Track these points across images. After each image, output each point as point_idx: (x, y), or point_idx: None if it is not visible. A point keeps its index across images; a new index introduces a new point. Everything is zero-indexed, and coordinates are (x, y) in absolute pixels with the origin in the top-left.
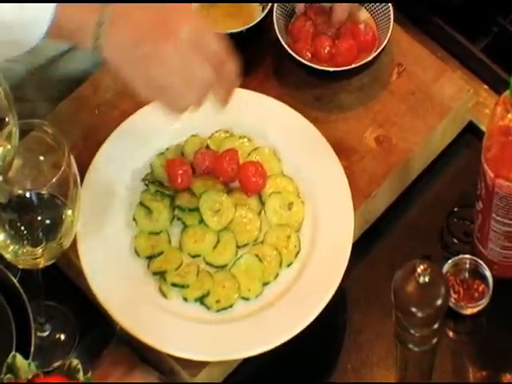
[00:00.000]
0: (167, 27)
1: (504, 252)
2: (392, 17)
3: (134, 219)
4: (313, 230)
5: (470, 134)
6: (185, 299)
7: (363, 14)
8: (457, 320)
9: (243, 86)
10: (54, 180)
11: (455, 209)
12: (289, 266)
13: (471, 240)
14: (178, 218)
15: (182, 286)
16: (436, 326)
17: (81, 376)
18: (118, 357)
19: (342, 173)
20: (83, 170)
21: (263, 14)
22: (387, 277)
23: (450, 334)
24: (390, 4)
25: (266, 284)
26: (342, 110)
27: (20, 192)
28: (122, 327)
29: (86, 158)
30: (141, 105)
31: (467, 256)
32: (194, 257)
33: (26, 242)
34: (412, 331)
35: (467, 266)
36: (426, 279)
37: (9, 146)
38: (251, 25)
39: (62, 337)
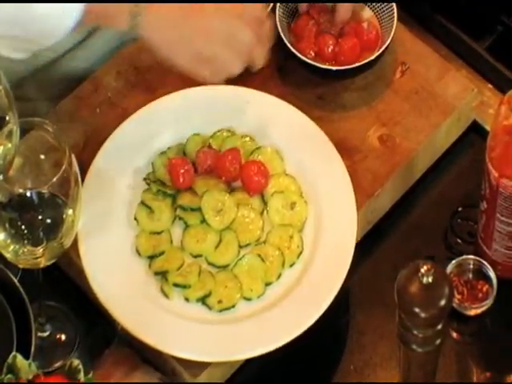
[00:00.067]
0: None
1: (508, 252)
2: (396, 15)
3: (135, 219)
4: (316, 229)
5: (474, 133)
6: (186, 299)
7: (366, 13)
8: (460, 321)
9: (246, 84)
10: (54, 179)
11: (459, 209)
12: (291, 266)
13: (475, 240)
14: (180, 218)
15: (184, 286)
16: (439, 326)
17: (82, 376)
18: (119, 357)
19: (345, 172)
20: (84, 168)
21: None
22: (390, 277)
23: (454, 334)
24: (393, 3)
25: (268, 284)
26: (345, 109)
27: (21, 191)
28: (123, 327)
29: (87, 157)
30: (142, 103)
31: (471, 256)
32: (195, 257)
33: (26, 242)
34: (415, 332)
35: (471, 266)
36: (430, 280)
37: (9, 145)
38: None
39: (63, 337)
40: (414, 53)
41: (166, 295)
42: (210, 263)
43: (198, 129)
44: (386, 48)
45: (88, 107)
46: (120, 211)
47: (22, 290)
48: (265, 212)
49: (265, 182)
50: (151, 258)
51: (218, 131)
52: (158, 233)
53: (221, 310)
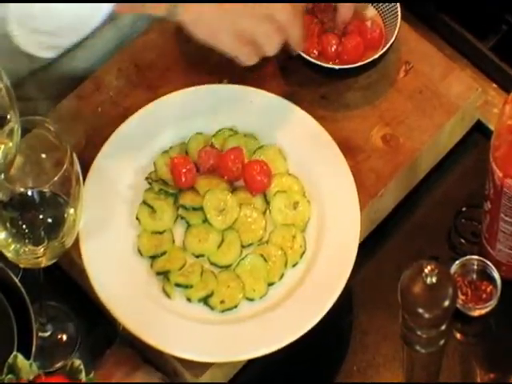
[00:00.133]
0: None
1: None
2: (399, 14)
3: (137, 218)
4: (318, 229)
5: (478, 133)
6: (188, 299)
7: (370, 11)
8: (464, 321)
9: (249, 83)
10: (56, 178)
11: (463, 209)
12: (294, 266)
13: (479, 241)
14: (182, 217)
15: (186, 286)
16: (443, 327)
17: (83, 377)
18: (120, 357)
19: (349, 172)
20: (86, 168)
21: None
22: (394, 277)
23: (458, 335)
24: (397, 2)
25: (270, 284)
26: (348, 109)
27: (22, 190)
28: (124, 327)
29: (88, 156)
30: (144, 102)
31: (475, 257)
32: (197, 256)
33: (27, 241)
34: (419, 332)
35: (475, 266)
36: (434, 280)
37: (10, 144)
38: None
39: (64, 337)
40: (418, 52)
41: (167, 295)
42: (212, 263)
43: (201, 128)
44: (390, 47)
45: (89, 106)
46: (122, 211)
47: (22, 289)
48: (267, 212)
49: (267, 182)
50: (153, 257)
51: (221, 130)
52: (160, 232)
53: (223, 311)
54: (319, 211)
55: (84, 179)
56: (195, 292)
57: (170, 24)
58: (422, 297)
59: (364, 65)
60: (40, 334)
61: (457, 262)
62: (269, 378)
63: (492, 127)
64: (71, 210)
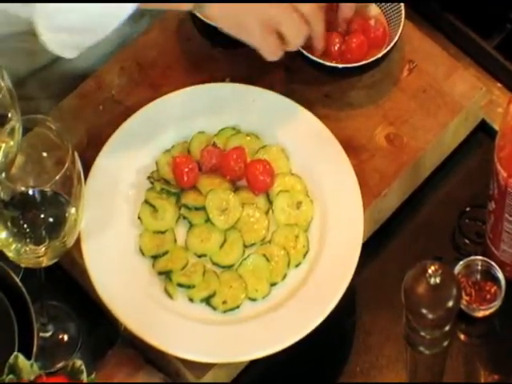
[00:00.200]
0: None
1: None
2: (403, 13)
3: (138, 218)
4: (322, 229)
5: (483, 132)
6: (191, 300)
7: (374, 10)
8: (468, 322)
9: (251, 82)
10: (57, 177)
11: (467, 209)
12: (297, 266)
13: (483, 241)
14: (184, 217)
15: (188, 287)
16: (447, 328)
17: (84, 377)
18: (122, 358)
19: (352, 171)
20: (87, 167)
21: None
22: (397, 278)
23: (462, 336)
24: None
25: (273, 284)
26: (351, 108)
27: (23, 189)
28: (126, 328)
29: (90, 155)
30: (145, 101)
31: (479, 257)
32: (200, 256)
33: (28, 240)
34: (422, 333)
35: (479, 267)
36: (437, 280)
37: (11, 142)
38: None
39: (65, 337)
40: (422, 51)
41: (169, 295)
42: (214, 263)
43: (203, 127)
44: (394, 46)
45: (91, 105)
46: (123, 210)
47: (23, 289)
48: (270, 211)
49: (270, 181)
50: (155, 257)
51: (223, 129)
52: (162, 232)
53: (225, 311)
54: (322, 211)
55: (85, 178)
56: (197, 292)
57: (172, 22)
58: (426, 297)
59: (367, 64)
60: (41, 334)
61: (461, 262)
62: (271, 379)
63: (496, 127)
64: (72, 210)
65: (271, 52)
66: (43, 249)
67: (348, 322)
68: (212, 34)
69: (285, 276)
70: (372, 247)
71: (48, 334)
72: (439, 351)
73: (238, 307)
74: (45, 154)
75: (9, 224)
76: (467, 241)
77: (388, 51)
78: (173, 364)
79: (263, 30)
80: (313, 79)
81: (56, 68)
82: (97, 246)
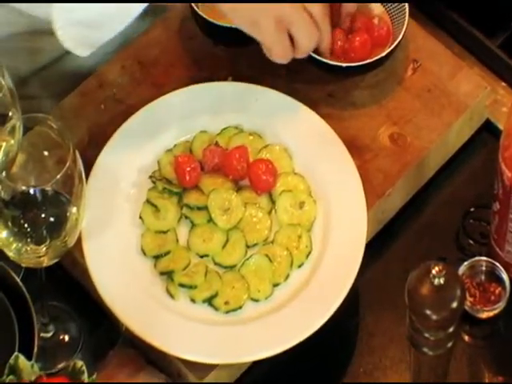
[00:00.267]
0: None
1: None
2: (407, 11)
3: (140, 217)
4: (325, 229)
5: (487, 132)
6: (192, 300)
7: (377, 9)
8: (473, 324)
9: (254, 81)
10: (58, 176)
11: (471, 209)
12: (300, 266)
13: (488, 241)
14: (186, 217)
15: (190, 287)
16: (451, 329)
17: (85, 378)
18: (123, 359)
19: (355, 171)
20: (89, 166)
21: None
22: (401, 278)
23: (466, 338)
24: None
25: (276, 285)
26: (355, 107)
27: (23, 188)
28: (127, 328)
29: (91, 154)
30: (147, 100)
31: (483, 258)
32: (202, 256)
33: (29, 240)
34: (426, 334)
35: (483, 268)
36: (441, 281)
37: (12, 141)
38: None
39: (66, 338)
40: (426, 50)
41: (171, 296)
42: (216, 263)
43: (205, 126)
44: (398, 45)
45: (92, 103)
46: (125, 210)
47: (24, 289)
48: (273, 211)
49: (273, 181)
50: (156, 257)
51: (226, 129)
52: (164, 232)
53: (227, 312)
54: (325, 211)
55: (87, 177)
56: (199, 292)
57: (174, 21)
58: (430, 298)
59: (371, 63)
60: (42, 334)
61: (465, 263)
62: (274, 380)
63: (501, 126)
64: (74, 209)
65: (281, 53)
66: (44, 248)
67: (351, 322)
68: (214, 32)
69: (287, 276)
70: (375, 247)
71: (49, 335)
72: (443, 352)
73: (240, 308)
74: (46, 153)
75: (9, 223)
76: (471, 241)
77: (392, 50)
78: (174, 365)
79: (277, 29)
80: (316, 78)
81: (58, 67)
82: (98, 245)
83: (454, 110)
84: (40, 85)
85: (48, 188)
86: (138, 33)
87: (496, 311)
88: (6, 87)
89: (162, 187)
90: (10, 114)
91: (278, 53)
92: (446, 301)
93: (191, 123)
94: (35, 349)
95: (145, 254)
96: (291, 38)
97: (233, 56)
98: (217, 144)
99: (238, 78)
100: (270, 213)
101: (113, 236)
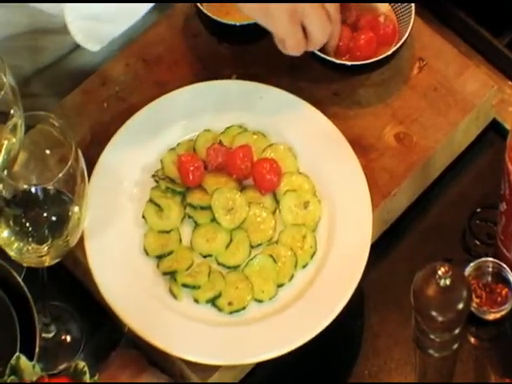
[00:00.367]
0: None
1: None
2: (413, 9)
3: (143, 217)
4: (329, 229)
5: (494, 132)
6: (196, 300)
7: (383, 6)
8: (479, 325)
9: (259, 79)
10: (60, 175)
11: (478, 210)
12: (304, 267)
13: (494, 242)
14: (189, 216)
15: (193, 287)
16: (457, 331)
17: (87, 379)
18: (125, 359)
19: (361, 171)
20: (91, 164)
21: None
22: (407, 279)
23: (472, 339)
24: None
25: (280, 286)
26: (360, 106)
27: (25, 187)
28: (130, 329)
29: (93, 153)
30: (151, 98)
31: (490, 259)
32: (205, 256)
33: (30, 239)
34: (432, 336)
35: (490, 269)
36: (447, 282)
37: (14, 139)
38: None
39: (68, 338)
40: (433, 48)
41: (174, 296)
42: (220, 263)
43: (209, 125)
44: (404, 43)
45: (95, 101)
46: (127, 209)
47: (26, 289)
48: (277, 211)
49: (277, 181)
50: (159, 257)
51: (230, 127)
52: (167, 232)
53: (231, 312)
54: (330, 211)
55: (89, 176)
56: (203, 293)
57: (178, 18)
58: (436, 299)
59: (377, 61)
60: (43, 334)
61: (471, 264)
62: (278, 381)
63: (508, 126)
64: (76, 208)
65: (294, 45)
66: (46, 248)
67: (356, 324)
68: (218, 30)
69: (292, 277)
70: (381, 248)
71: (50, 335)
72: (449, 354)
73: (244, 308)
74: (48, 152)
75: (11, 222)
76: (478, 242)
77: (398, 48)
78: (177, 366)
79: (290, 20)
80: (321, 77)
81: (62, 66)
82: (100, 245)
83: (461, 110)
84: (43, 84)
85: (50, 187)
86: (142, 30)
87: (503, 313)
88: (7, 85)
89: (165, 186)
90: (12, 111)
91: (291, 45)
92: (452, 302)
93: (195, 122)
94: (37, 349)
95: (147, 253)
96: (304, 31)
97: (237, 54)
98: (220, 143)
99: (242, 77)
100: (274, 213)
101: (115, 235)
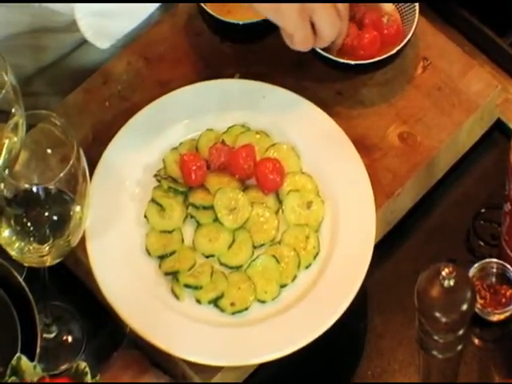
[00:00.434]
0: None
1: None
2: (417, 9)
3: (145, 216)
4: (333, 230)
5: (498, 132)
6: (198, 301)
7: (388, 6)
8: (483, 326)
9: (262, 78)
10: (61, 174)
11: (482, 210)
12: (307, 267)
13: (499, 243)
14: (192, 216)
15: (195, 287)
16: (461, 332)
17: (89, 379)
18: (127, 360)
19: (364, 171)
20: (93, 164)
21: None
22: (410, 280)
23: (476, 341)
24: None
25: (283, 286)
26: (364, 105)
27: (26, 186)
28: (131, 329)
29: (95, 152)
30: (153, 97)
31: (494, 260)
32: (207, 257)
33: (32, 239)
34: (436, 337)
35: (494, 270)
36: (451, 283)
37: (15, 139)
38: None
39: (70, 338)
40: (437, 48)
41: (176, 296)
42: (222, 264)
43: (211, 124)
44: (408, 42)
45: (97, 100)
46: (129, 209)
47: (27, 289)
48: (280, 211)
49: (280, 180)
50: (161, 257)
51: (232, 127)
52: (169, 231)
53: (233, 313)
54: (333, 211)
55: (91, 176)
56: (205, 293)
57: (181, 17)
58: (440, 300)
59: (381, 60)
60: (44, 335)
61: (475, 264)
62: (281, 381)
63: None
64: (77, 208)
65: (303, 40)
66: (47, 248)
67: (359, 325)
68: (221, 29)
69: (295, 277)
70: (384, 248)
71: (52, 335)
72: (453, 356)
73: (246, 309)
74: (49, 151)
75: (12, 222)
76: (482, 243)
77: (401, 48)
78: (179, 367)
79: (300, 15)
80: (324, 76)
81: (63, 65)
82: (102, 245)
83: (465, 109)
84: (45, 83)
85: (51, 186)
86: (145, 28)
87: (507, 314)
88: (8, 84)
89: (168, 186)
90: (13, 110)
91: (299, 40)
92: (456, 303)
93: (197, 121)
94: (38, 349)
95: (149, 253)
96: (313, 28)
97: (240, 53)
98: (223, 142)
99: (245, 76)
100: (277, 213)
101: (117, 235)
